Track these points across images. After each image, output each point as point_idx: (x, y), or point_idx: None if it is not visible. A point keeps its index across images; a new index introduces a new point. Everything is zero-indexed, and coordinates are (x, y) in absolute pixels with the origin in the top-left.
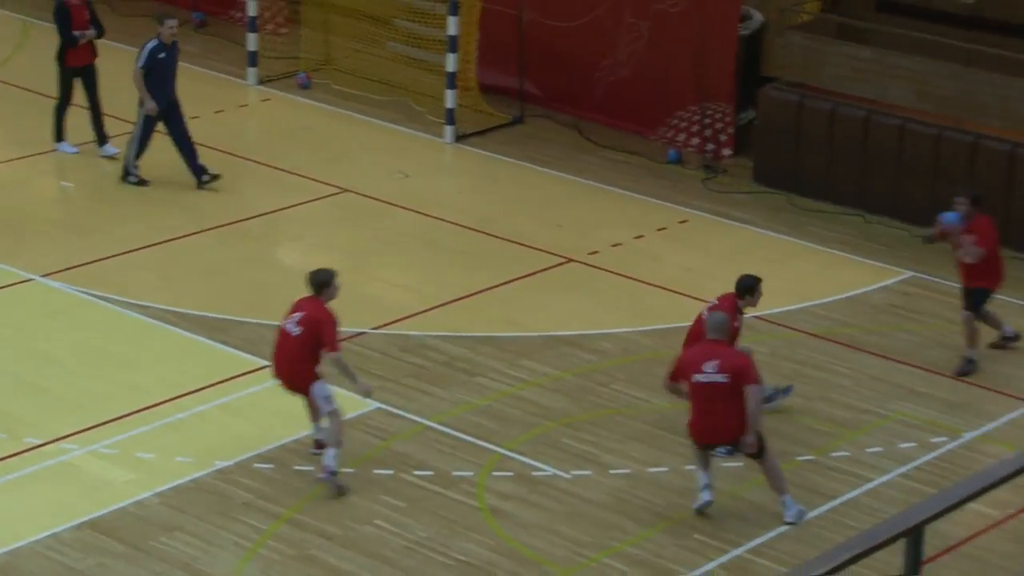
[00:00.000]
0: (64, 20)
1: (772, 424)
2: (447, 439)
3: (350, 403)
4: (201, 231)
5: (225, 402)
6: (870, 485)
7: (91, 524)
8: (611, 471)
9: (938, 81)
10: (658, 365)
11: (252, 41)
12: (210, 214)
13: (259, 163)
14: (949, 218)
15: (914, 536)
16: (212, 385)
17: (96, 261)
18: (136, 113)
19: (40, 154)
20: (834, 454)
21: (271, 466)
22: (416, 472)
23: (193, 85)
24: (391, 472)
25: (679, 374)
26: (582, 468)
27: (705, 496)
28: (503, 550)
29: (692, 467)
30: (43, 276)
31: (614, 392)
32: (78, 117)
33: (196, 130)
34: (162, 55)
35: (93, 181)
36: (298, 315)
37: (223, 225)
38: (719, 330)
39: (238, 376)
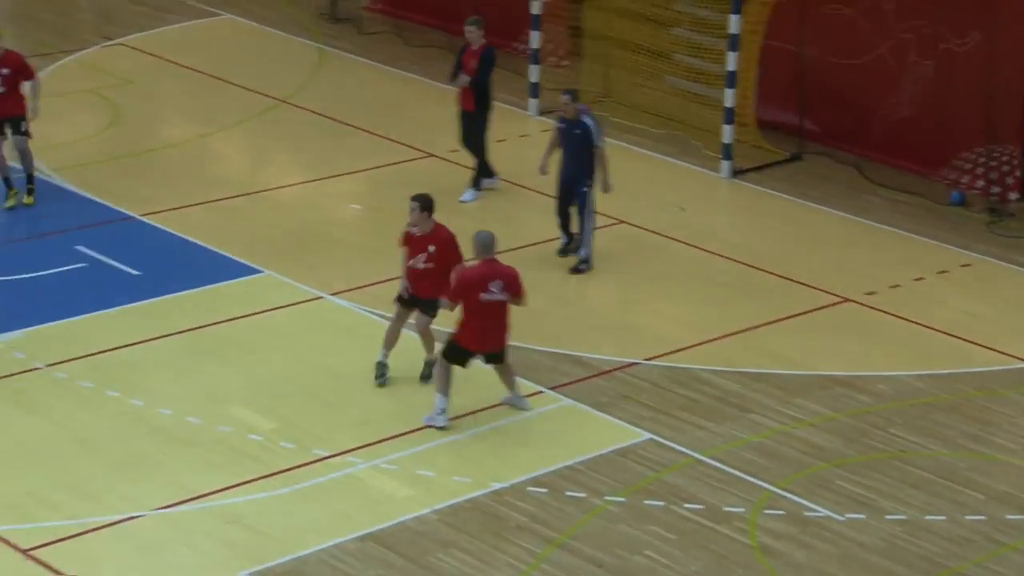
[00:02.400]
0: (456, 61)
1: None
2: (718, 474)
3: (622, 433)
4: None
5: (502, 425)
6: None
7: (372, 536)
8: (886, 516)
9: None
10: (936, 411)
11: (534, 73)
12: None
13: (541, 193)
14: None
15: None
16: (489, 408)
17: (382, 282)
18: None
19: (330, 177)
20: None
21: (545, 490)
22: (687, 505)
23: None
24: (662, 504)
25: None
26: (856, 511)
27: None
28: None
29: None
30: (332, 295)
31: (890, 436)
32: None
33: None
34: (561, 125)
35: (379, 204)
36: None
37: (505, 251)
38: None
39: None
